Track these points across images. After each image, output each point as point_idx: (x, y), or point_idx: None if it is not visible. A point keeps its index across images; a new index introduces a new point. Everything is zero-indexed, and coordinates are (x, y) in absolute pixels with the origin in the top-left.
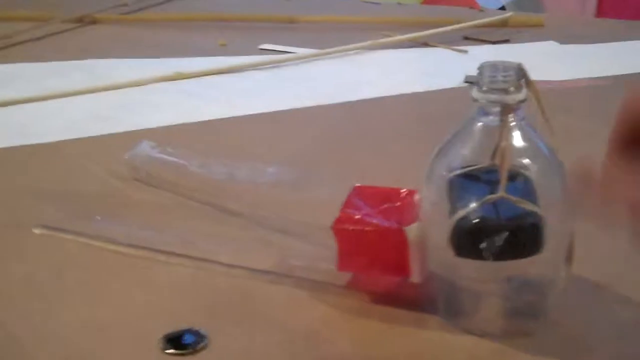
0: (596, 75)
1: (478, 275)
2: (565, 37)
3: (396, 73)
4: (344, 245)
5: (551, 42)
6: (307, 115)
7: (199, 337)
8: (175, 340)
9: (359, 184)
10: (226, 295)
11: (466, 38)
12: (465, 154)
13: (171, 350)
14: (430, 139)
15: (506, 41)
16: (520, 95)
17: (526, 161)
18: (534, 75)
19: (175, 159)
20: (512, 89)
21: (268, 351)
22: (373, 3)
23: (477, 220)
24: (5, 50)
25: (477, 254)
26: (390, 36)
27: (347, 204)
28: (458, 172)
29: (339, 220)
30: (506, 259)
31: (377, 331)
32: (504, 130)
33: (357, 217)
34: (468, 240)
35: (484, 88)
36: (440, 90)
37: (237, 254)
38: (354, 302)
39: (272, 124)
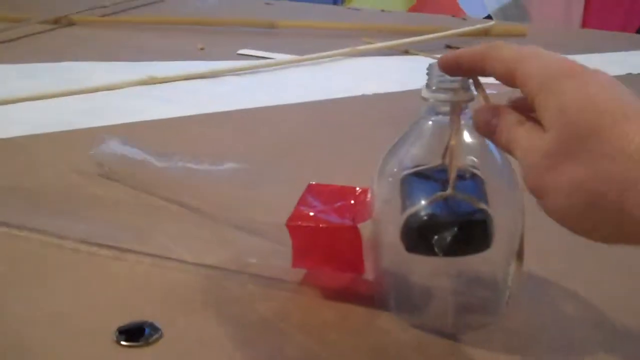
0: None
1: (429, 271)
2: (548, 47)
3: (371, 79)
4: (298, 242)
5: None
6: (270, 115)
7: (153, 329)
8: (129, 332)
9: (313, 182)
10: (181, 289)
11: (448, 46)
12: (416, 152)
13: (125, 342)
14: (390, 139)
15: None
16: (469, 95)
17: (476, 160)
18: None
19: (137, 155)
20: (460, 88)
21: (221, 343)
22: (354, 9)
23: (426, 217)
24: None
25: (428, 250)
26: (370, 43)
27: (302, 201)
28: (409, 170)
29: (293, 217)
30: (455, 255)
31: (330, 326)
32: (453, 129)
33: (311, 214)
34: (418, 236)
35: (433, 87)
36: (409, 91)
37: (193, 250)
38: (308, 298)
39: (234, 123)
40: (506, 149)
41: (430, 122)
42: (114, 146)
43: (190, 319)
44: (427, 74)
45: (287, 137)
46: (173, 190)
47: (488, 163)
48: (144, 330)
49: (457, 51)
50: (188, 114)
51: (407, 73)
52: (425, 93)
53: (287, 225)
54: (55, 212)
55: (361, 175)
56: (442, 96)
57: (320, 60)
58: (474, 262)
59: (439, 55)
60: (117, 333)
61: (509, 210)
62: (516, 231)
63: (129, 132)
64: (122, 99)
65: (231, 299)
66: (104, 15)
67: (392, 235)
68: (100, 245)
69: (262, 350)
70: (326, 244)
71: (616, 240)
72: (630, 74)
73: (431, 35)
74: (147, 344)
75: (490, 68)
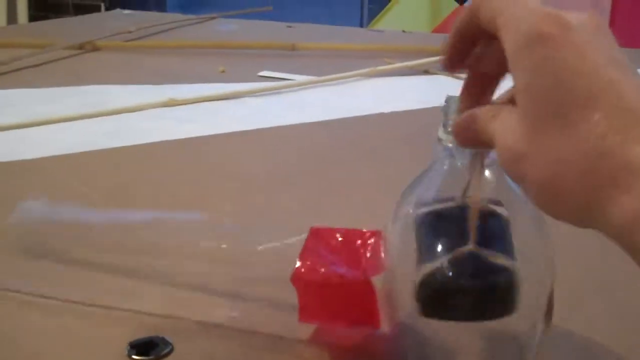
0: None
1: (449, 330)
2: None
3: (390, 98)
4: (306, 297)
5: None
6: (289, 134)
7: (164, 343)
8: (140, 347)
9: (316, 226)
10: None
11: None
12: (433, 194)
13: (137, 357)
14: (407, 156)
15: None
16: None
17: (501, 209)
18: None
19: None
20: None
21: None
22: (377, 31)
23: (444, 279)
24: (1, 76)
25: (445, 316)
26: (390, 63)
27: (306, 250)
28: (426, 209)
29: (299, 272)
30: (476, 320)
31: None
32: (474, 175)
33: (321, 269)
34: (434, 300)
35: (450, 129)
36: (428, 108)
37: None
38: (317, 357)
39: (253, 142)
40: (488, 146)
41: (446, 167)
42: (39, 209)
43: (202, 334)
44: (444, 110)
45: (306, 155)
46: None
47: (513, 207)
48: (155, 344)
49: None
50: (208, 133)
51: (426, 91)
52: (442, 134)
53: (293, 281)
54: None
55: (381, 193)
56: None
57: (341, 81)
58: (498, 323)
59: (460, 75)
60: (128, 347)
61: (537, 265)
62: (545, 289)
63: (148, 152)
64: (142, 121)
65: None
66: (127, 40)
67: (407, 286)
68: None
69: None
70: (337, 298)
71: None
72: None
73: None
74: (158, 357)
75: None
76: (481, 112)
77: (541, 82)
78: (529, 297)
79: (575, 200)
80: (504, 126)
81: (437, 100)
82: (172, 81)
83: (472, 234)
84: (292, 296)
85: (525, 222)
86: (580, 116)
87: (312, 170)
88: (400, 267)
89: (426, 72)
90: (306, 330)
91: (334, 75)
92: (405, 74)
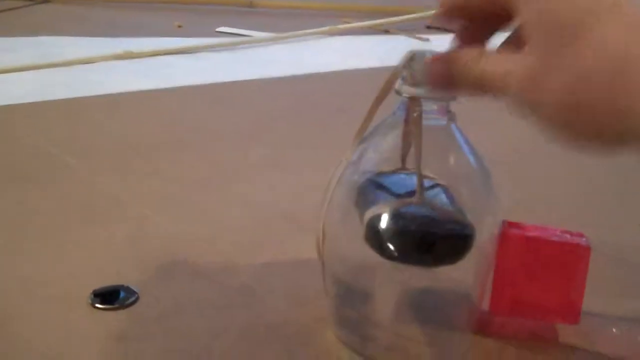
0: None
1: (382, 284)
2: None
3: (350, 56)
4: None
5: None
6: (248, 89)
7: (129, 292)
8: (105, 296)
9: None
10: (160, 254)
11: (429, 27)
12: (381, 155)
13: (100, 305)
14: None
15: None
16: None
17: (450, 165)
18: None
19: None
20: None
21: (199, 305)
22: None
23: (392, 222)
24: None
25: (389, 256)
26: (350, 22)
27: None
28: (371, 176)
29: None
30: (423, 265)
31: None
32: (417, 128)
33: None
34: (381, 240)
35: (411, 80)
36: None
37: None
38: None
39: (211, 96)
40: (480, 83)
41: (398, 121)
42: None
43: (168, 282)
44: (405, 64)
45: (267, 111)
46: None
47: (462, 166)
48: (119, 293)
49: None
50: (166, 86)
51: (387, 50)
52: (401, 87)
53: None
54: (31, 181)
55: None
56: (420, 91)
57: (300, 38)
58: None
59: (420, 36)
60: (92, 296)
61: (483, 214)
62: (491, 240)
63: (104, 104)
64: (98, 73)
65: (212, 263)
66: None
67: (346, 247)
68: (78, 212)
69: (241, 314)
70: (546, 267)
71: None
72: None
73: (411, 15)
74: (122, 306)
75: None
76: (464, 52)
77: (551, 7)
78: (474, 248)
79: (603, 111)
80: (509, 60)
81: (398, 59)
82: (128, 35)
83: (418, 188)
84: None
85: (472, 180)
86: (595, 32)
87: (274, 126)
88: (341, 227)
89: (386, 31)
90: None
91: (293, 33)
92: (366, 33)
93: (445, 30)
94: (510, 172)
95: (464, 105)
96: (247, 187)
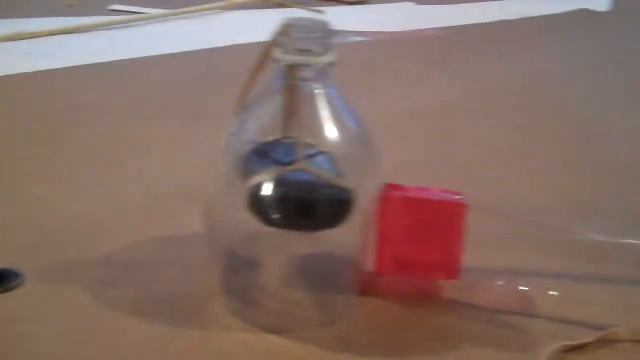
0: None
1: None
2: None
3: (245, 31)
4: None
5: (409, 2)
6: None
7: (14, 275)
8: None
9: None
10: (49, 234)
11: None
12: (264, 124)
13: None
14: None
15: (362, 2)
16: (327, 58)
17: (330, 131)
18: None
19: None
20: (318, 50)
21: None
22: None
23: (274, 189)
24: None
25: (273, 223)
26: None
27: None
28: (254, 145)
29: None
30: (305, 230)
31: None
32: (296, 96)
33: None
34: (264, 208)
35: (288, 48)
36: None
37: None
38: None
39: (107, 75)
40: None
41: (279, 90)
42: None
43: (56, 262)
44: (281, 32)
45: (162, 87)
46: None
47: (344, 135)
48: (4, 276)
49: None
50: (60, 66)
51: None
52: (279, 55)
53: (381, 203)
54: None
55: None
56: (296, 58)
57: (195, 14)
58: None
59: (315, 8)
60: None
61: (365, 182)
62: (372, 205)
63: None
64: None
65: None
66: None
67: (231, 217)
68: None
69: (130, 288)
70: (425, 226)
71: None
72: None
73: None
74: (6, 290)
75: None
76: None
77: None
78: (356, 211)
79: None
80: None
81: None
82: (17, 15)
83: (300, 154)
84: None
85: (353, 141)
86: None
87: (171, 101)
88: (226, 196)
89: (281, 5)
90: None
91: (189, 8)
92: (262, 7)
93: (341, 2)
94: (393, 136)
95: (343, 71)
96: (143, 162)
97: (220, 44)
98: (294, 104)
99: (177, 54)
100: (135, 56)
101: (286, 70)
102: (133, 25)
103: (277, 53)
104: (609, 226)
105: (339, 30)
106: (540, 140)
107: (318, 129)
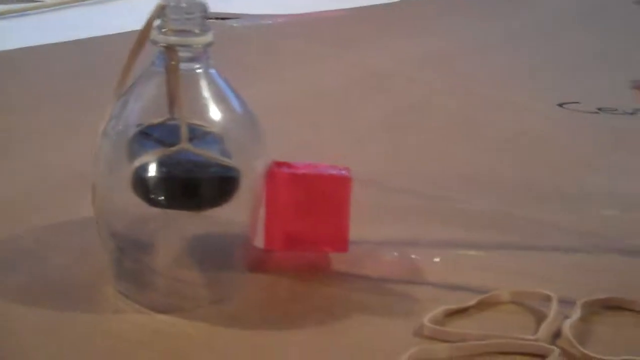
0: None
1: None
2: None
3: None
4: (275, 206)
5: None
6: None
7: None
8: None
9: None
10: None
11: None
12: (146, 106)
13: None
14: None
15: None
16: (204, 39)
17: (214, 111)
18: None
19: None
20: (196, 30)
21: None
22: None
23: (158, 170)
24: None
25: (158, 203)
26: None
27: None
28: (138, 128)
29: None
30: (191, 209)
31: None
32: (176, 76)
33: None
34: (148, 188)
35: (164, 29)
36: None
37: None
38: None
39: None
40: None
41: (160, 71)
42: None
43: None
44: (157, 13)
45: (59, 75)
46: None
47: (228, 115)
48: None
49: None
50: None
51: None
52: (156, 36)
53: (267, 179)
54: None
55: None
56: (174, 39)
57: (93, 1)
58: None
59: None
60: None
61: (252, 163)
62: (257, 181)
63: None
64: None
65: None
66: None
67: (118, 200)
68: None
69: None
70: (313, 200)
71: None
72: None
73: None
74: None
75: None
76: None
77: None
78: (242, 190)
79: None
80: None
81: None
82: None
83: (183, 135)
84: None
85: (236, 120)
86: None
87: (67, 88)
88: (114, 177)
89: None
90: None
91: None
92: None
93: None
94: (292, 115)
95: (245, 52)
96: (35, 150)
97: (117, 30)
98: (175, 85)
99: (72, 41)
100: (29, 44)
101: (164, 51)
102: (27, 13)
103: (154, 34)
104: (494, 196)
105: (246, 14)
106: (432, 115)
107: (201, 109)
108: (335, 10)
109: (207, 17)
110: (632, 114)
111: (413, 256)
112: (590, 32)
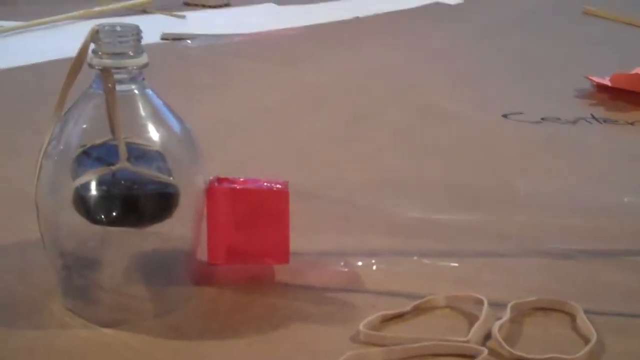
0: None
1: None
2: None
3: None
4: (216, 221)
5: (270, 4)
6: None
7: None
8: None
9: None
10: None
11: (186, 4)
12: (87, 128)
13: None
14: None
15: (226, 5)
16: (139, 60)
17: (152, 130)
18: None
19: None
20: (130, 52)
21: None
22: None
23: (97, 189)
24: None
25: (100, 221)
26: (105, 5)
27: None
28: (80, 149)
29: (212, 185)
30: (132, 226)
31: None
32: (109, 99)
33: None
34: (88, 207)
35: (99, 52)
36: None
37: None
38: None
39: None
40: None
41: (98, 93)
42: None
43: None
44: (95, 38)
45: (10, 99)
46: None
47: (166, 133)
48: None
49: None
50: None
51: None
52: (93, 60)
53: (208, 194)
54: None
55: None
56: (109, 62)
57: (53, 24)
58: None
59: (177, 13)
60: None
61: (192, 180)
62: (198, 197)
63: None
64: None
65: None
66: None
67: (63, 219)
68: None
69: None
70: (252, 214)
71: None
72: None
73: None
74: None
75: None
76: None
77: None
78: (183, 206)
79: None
80: None
81: (154, 37)
82: None
83: (121, 154)
84: None
85: (174, 137)
86: None
87: (17, 112)
88: (57, 196)
89: (144, 11)
90: None
91: (44, 19)
92: (124, 14)
93: (204, 6)
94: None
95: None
96: None
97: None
98: (113, 106)
99: (30, 65)
100: None
101: (101, 74)
102: None
103: (90, 58)
104: (430, 204)
105: (200, 34)
106: (375, 127)
107: (140, 128)
108: (288, 29)
109: (140, 40)
110: (574, 122)
111: (353, 265)
112: (535, 40)
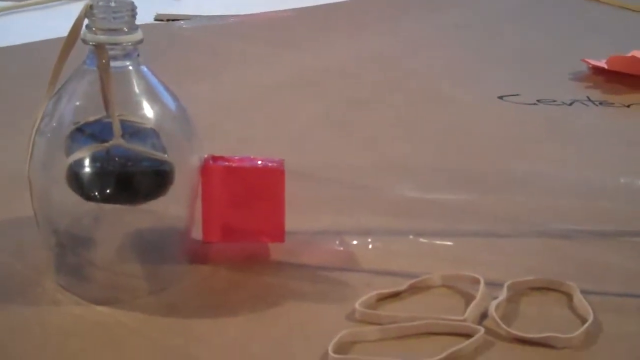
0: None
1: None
2: None
3: None
4: (210, 199)
5: None
6: None
7: None
8: None
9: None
10: None
11: None
12: (80, 104)
13: None
14: None
15: None
16: (135, 36)
17: (147, 107)
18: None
19: None
20: (125, 28)
21: None
22: None
23: (91, 165)
24: None
25: (94, 197)
26: None
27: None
28: (74, 126)
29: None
30: (126, 203)
31: None
32: (103, 76)
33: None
34: (83, 182)
35: (93, 28)
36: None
37: None
38: None
39: None
40: None
41: (91, 69)
42: None
43: None
44: (85, 12)
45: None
46: None
47: (160, 111)
48: None
49: None
50: None
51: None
52: (86, 35)
53: (202, 172)
54: None
55: None
56: (104, 38)
57: (45, 5)
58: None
59: None
60: None
61: (187, 157)
62: (192, 174)
63: None
64: None
65: None
66: None
67: (57, 196)
68: None
69: None
70: (248, 191)
71: None
72: None
73: None
74: None
75: None
76: None
77: None
78: (178, 183)
79: None
80: None
81: (148, 18)
82: None
83: (115, 131)
84: None
85: (171, 123)
86: None
87: (10, 92)
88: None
89: None
90: None
91: (34, 0)
92: None
93: None
94: (237, 113)
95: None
96: None
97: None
98: (107, 82)
99: (20, 45)
100: None
101: (94, 50)
102: None
103: (84, 33)
104: (426, 184)
105: (194, 15)
106: (372, 111)
107: (134, 105)
108: (284, 11)
109: (135, 16)
110: (570, 104)
111: (349, 244)
112: (533, 24)
